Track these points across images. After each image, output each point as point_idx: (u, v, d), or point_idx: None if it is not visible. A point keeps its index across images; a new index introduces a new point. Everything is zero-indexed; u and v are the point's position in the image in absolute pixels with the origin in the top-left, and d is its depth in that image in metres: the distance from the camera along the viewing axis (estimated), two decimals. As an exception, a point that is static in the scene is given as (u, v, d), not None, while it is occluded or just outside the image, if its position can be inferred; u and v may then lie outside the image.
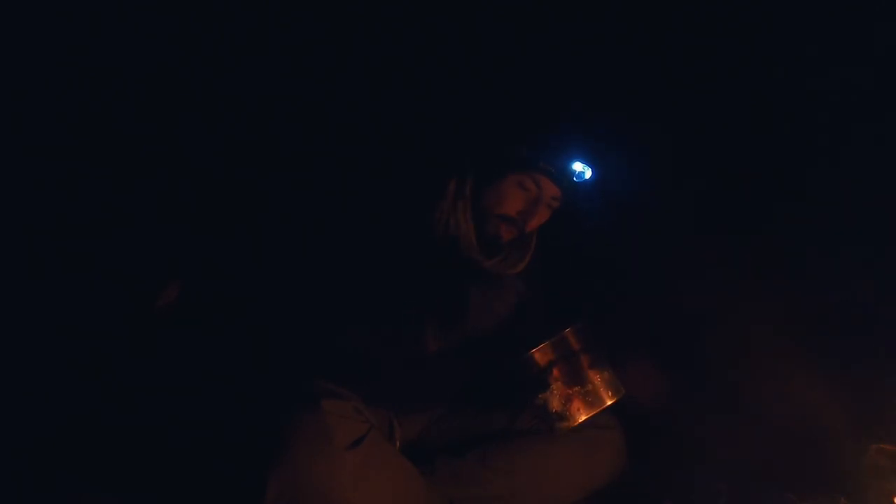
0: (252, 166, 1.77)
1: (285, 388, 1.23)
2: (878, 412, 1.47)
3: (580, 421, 1.39)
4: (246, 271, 1.51)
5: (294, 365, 1.38)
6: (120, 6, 1.78)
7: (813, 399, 1.53)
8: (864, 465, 1.39)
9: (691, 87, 1.84)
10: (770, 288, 1.67)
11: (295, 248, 1.44)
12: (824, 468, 1.44)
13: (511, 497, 1.43)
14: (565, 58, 1.79)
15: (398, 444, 1.43)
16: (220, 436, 1.25)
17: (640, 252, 1.82)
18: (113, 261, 1.69)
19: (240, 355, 1.43)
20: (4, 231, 1.71)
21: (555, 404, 1.39)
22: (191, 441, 1.31)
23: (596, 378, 1.41)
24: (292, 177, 1.67)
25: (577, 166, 1.53)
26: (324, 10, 1.86)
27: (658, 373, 1.67)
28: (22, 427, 1.50)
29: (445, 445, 1.48)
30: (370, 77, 1.86)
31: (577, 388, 1.40)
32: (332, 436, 1.14)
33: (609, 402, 1.41)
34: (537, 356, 1.40)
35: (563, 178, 1.51)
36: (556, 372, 1.40)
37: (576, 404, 1.39)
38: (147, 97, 1.82)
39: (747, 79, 1.82)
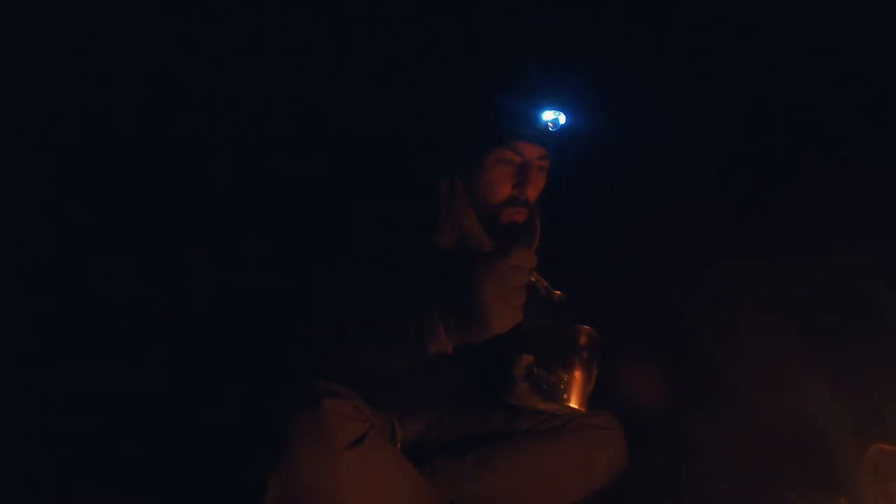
0: (252, 166, 1.77)
1: (285, 388, 1.23)
2: (878, 412, 1.48)
3: (570, 405, 1.37)
4: (245, 272, 1.51)
5: (294, 365, 1.37)
6: (120, 6, 1.78)
7: (813, 399, 1.53)
8: (864, 465, 1.39)
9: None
10: (770, 288, 1.68)
11: (295, 249, 1.43)
12: (824, 468, 1.45)
13: (511, 497, 1.42)
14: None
15: (399, 445, 1.43)
16: (220, 436, 1.25)
17: (640, 252, 1.82)
18: (112, 260, 1.69)
19: (240, 355, 1.42)
20: (4, 231, 1.71)
21: (566, 382, 1.36)
22: (191, 441, 1.31)
23: (590, 380, 1.40)
24: (292, 177, 1.67)
25: (548, 115, 1.39)
26: (324, 10, 1.86)
27: (658, 373, 1.67)
28: (21, 427, 1.50)
29: (445, 445, 1.47)
30: (370, 77, 1.86)
31: (584, 379, 1.39)
32: (332, 435, 1.14)
33: (579, 409, 1.39)
34: (584, 333, 1.38)
35: (539, 132, 1.40)
36: (577, 358, 1.38)
37: (575, 393, 1.38)
38: (147, 97, 1.82)
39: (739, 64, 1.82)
